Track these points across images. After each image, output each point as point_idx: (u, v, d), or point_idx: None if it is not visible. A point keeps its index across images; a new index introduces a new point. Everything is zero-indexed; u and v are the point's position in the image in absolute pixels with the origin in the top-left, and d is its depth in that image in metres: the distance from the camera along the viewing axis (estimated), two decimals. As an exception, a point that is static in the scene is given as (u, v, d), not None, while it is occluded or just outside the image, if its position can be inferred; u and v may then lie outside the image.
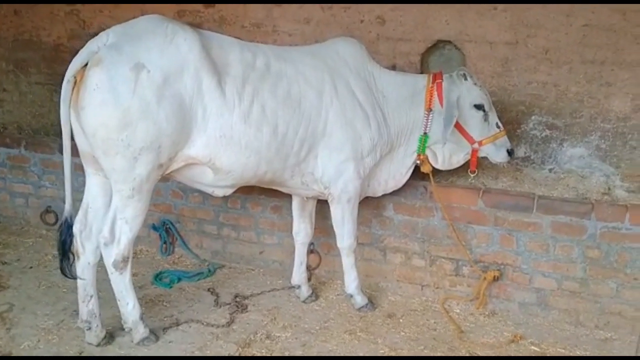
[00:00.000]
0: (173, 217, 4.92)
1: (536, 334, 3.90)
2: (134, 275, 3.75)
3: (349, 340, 3.74)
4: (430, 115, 3.88)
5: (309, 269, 4.51)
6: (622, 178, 4.49)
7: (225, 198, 4.68)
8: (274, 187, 3.92)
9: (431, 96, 3.86)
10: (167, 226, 4.89)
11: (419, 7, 4.72)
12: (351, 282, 4.11)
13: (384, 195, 4.20)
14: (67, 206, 3.38)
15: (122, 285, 3.46)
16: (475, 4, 4.56)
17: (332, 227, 4.14)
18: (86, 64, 3.13)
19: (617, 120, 4.49)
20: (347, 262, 4.07)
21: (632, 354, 3.70)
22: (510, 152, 3.94)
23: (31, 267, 4.59)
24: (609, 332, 3.92)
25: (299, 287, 4.24)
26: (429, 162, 4.03)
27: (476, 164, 3.98)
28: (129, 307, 3.52)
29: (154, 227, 4.91)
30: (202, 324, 3.83)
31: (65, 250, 3.41)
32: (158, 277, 4.45)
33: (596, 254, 3.89)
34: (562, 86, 4.56)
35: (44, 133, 5.68)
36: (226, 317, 3.94)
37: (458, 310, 4.19)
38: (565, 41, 4.47)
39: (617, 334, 3.90)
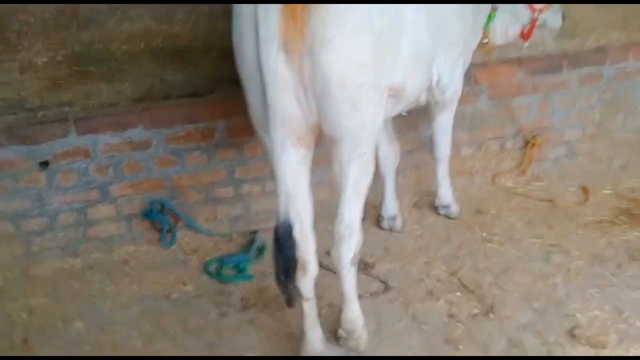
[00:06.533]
0: (165, 193, 3.52)
1: (580, 181, 4.20)
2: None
3: (500, 246, 3.47)
4: None
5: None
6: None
7: (240, 147, 3.57)
8: None
9: None
10: (162, 207, 3.50)
11: None
12: (447, 191, 3.73)
13: (428, 93, 3.78)
14: (282, 204, 2.15)
15: (353, 284, 2.53)
16: None
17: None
18: None
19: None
20: (445, 171, 3.67)
21: (638, 170, 4.31)
22: (563, 16, 3.85)
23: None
24: (618, 160, 4.46)
25: (394, 218, 3.62)
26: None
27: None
28: (357, 309, 2.60)
29: (146, 214, 3.48)
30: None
31: (293, 267, 2.24)
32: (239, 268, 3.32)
33: (609, 96, 4.29)
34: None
35: None
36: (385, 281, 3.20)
37: (511, 184, 4.20)
38: None
39: (625, 159, 4.46)
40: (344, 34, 2.00)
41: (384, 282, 3.16)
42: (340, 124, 2.18)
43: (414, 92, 2.72)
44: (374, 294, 3.06)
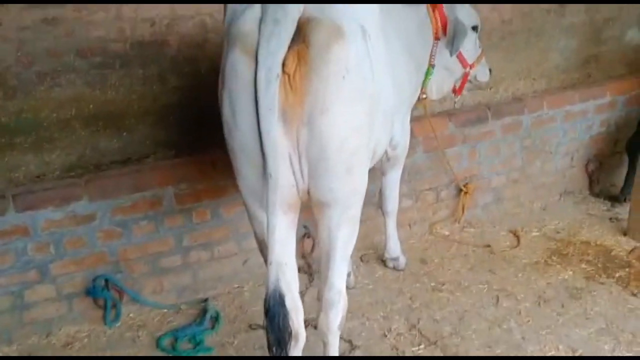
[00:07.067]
0: (110, 268, 3.32)
1: (509, 225, 4.44)
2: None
3: (451, 295, 3.57)
4: (438, 44, 3.65)
5: (303, 255, 3.85)
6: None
7: (188, 213, 3.45)
8: None
9: (437, 23, 3.61)
10: (106, 282, 3.29)
11: None
12: (396, 243, 3.80)
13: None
14: (273, 273, 2.09)
15: (337, 349, 2.53)
16: None
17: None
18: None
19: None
20: (393, 224, 3.73)
21: (557, 210, 4.64)
22: (490, 71, 4.03)
23: None
24: (539, 203, 4.76)
25: (348, 275, 3.58)
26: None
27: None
28: None
29: (89, 292, 3.25)
30: None
31: (287, 338, 2.18)
32: (195, 340, 3.17)
33: (528, 143, 4.58)
34: None
35: None
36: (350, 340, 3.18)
37: (447, 233, 4.35)
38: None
39: (543, 202, 4.77)
40: (342, 101, 2.04)
41: (349, 341, 3.14)
42: (333, 188, 2.19)
43: (381, 152, 2.78)
44: (341, 356, 3.02)
